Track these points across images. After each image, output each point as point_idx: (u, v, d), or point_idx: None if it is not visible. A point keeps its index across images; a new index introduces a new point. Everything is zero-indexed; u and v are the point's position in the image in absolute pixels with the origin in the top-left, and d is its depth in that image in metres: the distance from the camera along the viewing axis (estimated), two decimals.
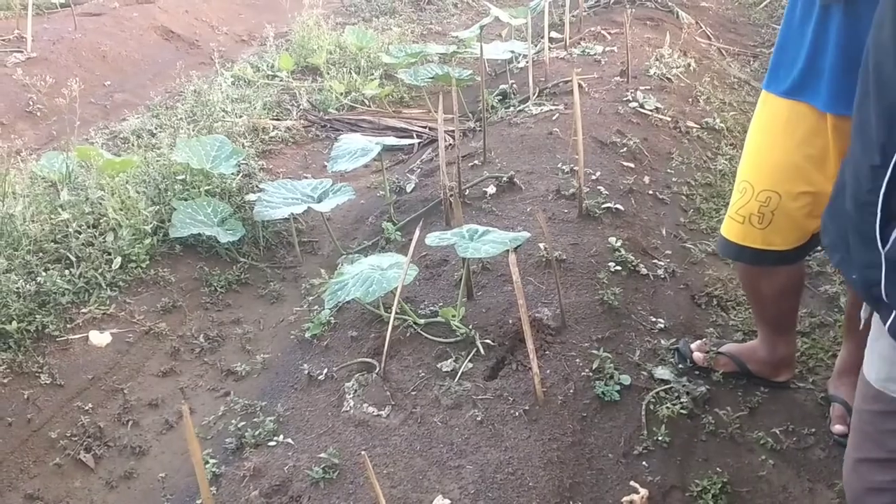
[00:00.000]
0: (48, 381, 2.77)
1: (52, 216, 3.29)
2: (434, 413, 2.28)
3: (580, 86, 4.40)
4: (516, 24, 5.66)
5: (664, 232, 3.38)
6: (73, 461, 2.53)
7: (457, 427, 2.22)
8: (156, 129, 4.69)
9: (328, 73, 5.52)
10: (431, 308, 2.76)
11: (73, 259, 3.18)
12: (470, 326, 2.58)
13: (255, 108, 4.92)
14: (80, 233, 3.25)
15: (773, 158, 2.15)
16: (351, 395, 2.40)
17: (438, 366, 2.45)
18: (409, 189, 3.99)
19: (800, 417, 2.44)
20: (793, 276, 2.33)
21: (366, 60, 5.70)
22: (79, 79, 5.11)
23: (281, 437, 2.35)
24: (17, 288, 2.94)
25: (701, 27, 6.25)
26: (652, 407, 2.34)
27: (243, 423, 2.49)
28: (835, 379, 2.50)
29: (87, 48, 6.02)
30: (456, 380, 2.38)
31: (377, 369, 2.48)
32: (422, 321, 2.66)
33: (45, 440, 2.57)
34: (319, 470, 2.14)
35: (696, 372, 2.54)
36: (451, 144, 4.08)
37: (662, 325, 2.73)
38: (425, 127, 4.86)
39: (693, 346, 2.60)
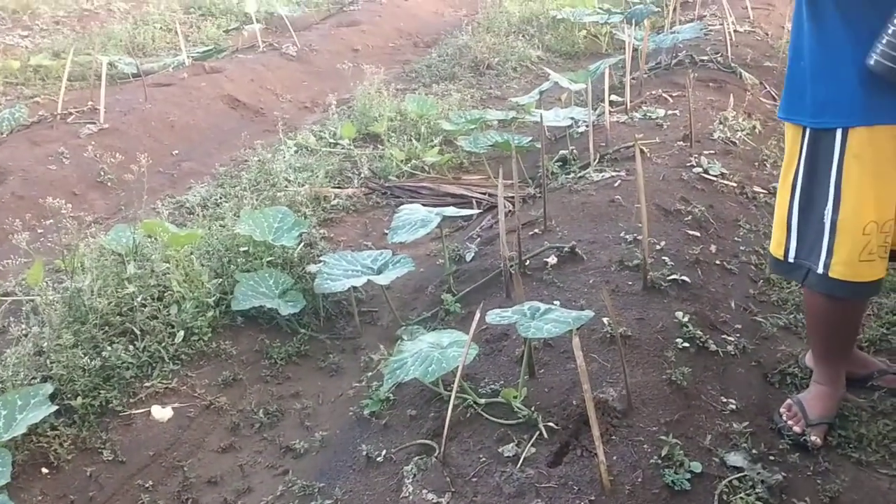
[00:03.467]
0: (110, 458, 2.78)
1: (119, 289, 3.35)
2: (496, 502, 2.20)
3: (642, 151, 4.34)
4: (576, 88, 5.65)
5: (733, 304, 3.27)
6: None
7: None
8: (220, 198, 4.78)
9: (389, 141, 5.58)
10: (492, 387, 2.70)
11: (138, 332, 3.22)
12: (532, 408, 2.50)
13: (317, 177, 4.98)
14: (144, 306, 3.30)
15: (888, 188, 2.19)
16: (410, 480, 2.34)
17: (500, 450, 2.38)
18: (468, 258, 3.96)
19: None
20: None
21: (426, 127, 5.75)
22: (147, 149, 5.28)
23: None
24: (83, 363, 2.98)
25: (765, 88, 6.15)
26: (725, 497, 2.22)
27: None
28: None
29: (157, 118, 6.21)
30: (518, 466, 2.30)
31: (437, 452, 2.42)
32: (482, 401, 2.60)
33: None
34: None
35: (772, 458, 2.42)
36: (510, 211, 4.05)
37: (734, 407, 2.61)
38: (485, 193, 4.85)
39: (785, 416, 2.57)
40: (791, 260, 2.41)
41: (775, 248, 2.47)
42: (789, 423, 2.55)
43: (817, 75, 2.24)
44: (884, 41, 2.05)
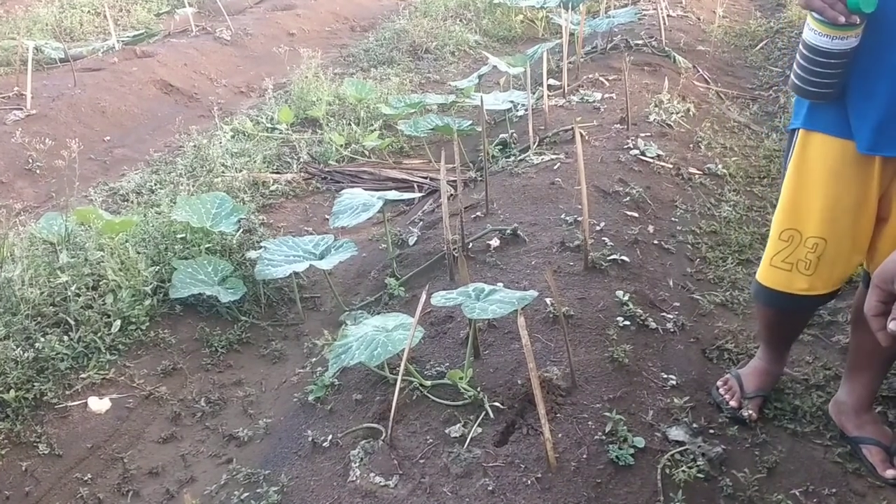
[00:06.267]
0: (46, 452, 2.70)
1: (51, 279, 3.24)
2: (443, 482, 2.21)
3: (581, 134, 4.38)
4: (514, 72, 5.67)
5: (671, 283, 3.33)
6: None
7: (467, 497, 2.15)
8: (155, 185, 4.67)
9: (328, 125, 5.52)
10: (437, 369, 2.71)
11: (72, 323, 3.13)
12: (478, 388, 2.51)
13: (254, 162, 4.90)
14: (79, 295, 3.21)
15: (821, 204, 2.11)
16: (357, 464, 2.33)
17: (447, 431, 2.38)
18: (411, 242, 3.95)
19: (819, 477, 2.38)
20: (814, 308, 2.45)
21: (365, 112, 5.71)
22: (78, 135, 5.14)
23: None
24: (15, 355, 2.88)
25: (699, 71, 6.27)
26: (668, 471, 2.27)
27: (246, 493, 2.42)
28: (853, 419, 2.46)
29: (87, 104, 6.03)
30: (465, 446, 2.31)
31: (383, 436, 2.41)
32: (428, 383, 2.60)
33: None
34: None
35: (712, 431, 2.48)
36: (453, 195, 4.05)
37: (674, 382, 2.67)
38: (426, 177, 4.84)
39: (721, 390, 2.63)
40: None
41: None
42: (726, 397, 2.61)
43: None
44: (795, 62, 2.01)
